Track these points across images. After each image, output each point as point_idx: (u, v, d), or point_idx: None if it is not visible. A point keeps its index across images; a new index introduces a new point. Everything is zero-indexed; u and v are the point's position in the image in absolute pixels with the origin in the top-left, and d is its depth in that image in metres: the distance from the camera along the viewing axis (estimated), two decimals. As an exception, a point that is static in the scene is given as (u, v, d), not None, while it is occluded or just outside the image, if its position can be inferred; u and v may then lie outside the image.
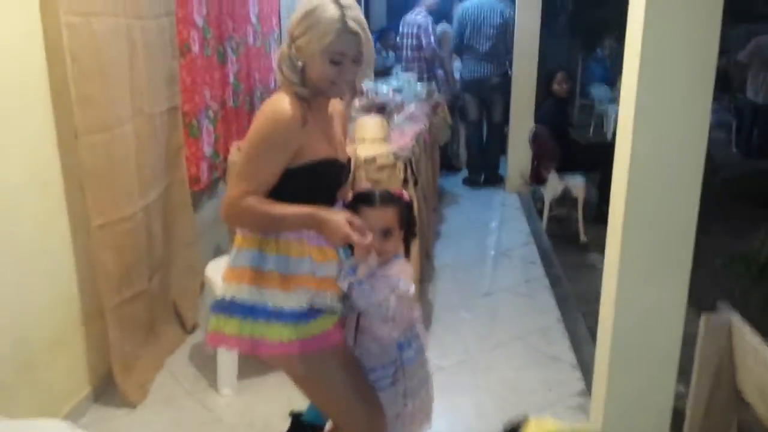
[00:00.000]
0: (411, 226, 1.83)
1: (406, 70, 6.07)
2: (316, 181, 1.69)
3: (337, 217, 1.62)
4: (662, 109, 1.94)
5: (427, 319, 3.37)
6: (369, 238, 1.62)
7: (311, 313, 1.67)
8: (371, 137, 3.02)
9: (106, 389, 2.63)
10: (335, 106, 1.83)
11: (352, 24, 1.61)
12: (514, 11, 5.93)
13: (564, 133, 5.40)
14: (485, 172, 6.33)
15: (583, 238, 4.97)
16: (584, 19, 9.34)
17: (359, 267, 1.66)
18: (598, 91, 9.69)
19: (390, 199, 1.77)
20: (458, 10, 6.07)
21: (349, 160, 1.87)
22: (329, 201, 1.74)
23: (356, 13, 1.64)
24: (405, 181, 2.90)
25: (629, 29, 1.99)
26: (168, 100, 2.89)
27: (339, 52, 1.62)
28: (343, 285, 1.67)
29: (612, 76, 9.96)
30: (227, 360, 2.65)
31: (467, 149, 6.53)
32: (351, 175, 2.81)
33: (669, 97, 1.93)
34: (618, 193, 2.09)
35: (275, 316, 1.65)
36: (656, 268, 2.07)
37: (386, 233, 1.72)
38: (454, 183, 6.38)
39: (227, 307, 1.69)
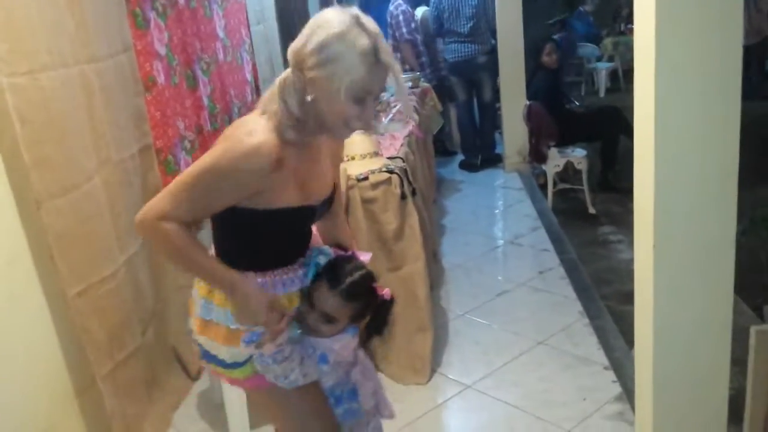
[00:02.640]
0: (380, 327, 1.64)
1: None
2: (272, 229, 1.50)
3: (259, 297, 1.47)
4: (688, 67, 1.67)
5: (443, 331, 3.19)
6: (282, 325, 1.49)
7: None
8: (360, 153, 2.82)
9: (114, 460, 2.46)
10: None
11: (384, 57, 1.35)
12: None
13: (559, 106, 5.21)
14: (481, 153, 6.13)
15: (591, 210, 4.81)
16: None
17: (265, 345, 1.49)
18: (584, 50, 9.47)
19: (357, 295, 1.55)
20: None
21: (332, 192, 1.64)
22: (293, 244, 1.61)
23: (384, 40, 1.38)
24: (403, 196, 2.70)
25: None
26: (137, 140, 2.68)
27: (365, 89, 1.36)
28: (245, 350, 1.52)
29: (597, 33, 9.75)
30: (236, 410, 2.47)
31: (460, 132, 6.31)
32: (346, 198, 2.63)
33: (694, 49, 1.65)
34: (643, 175, 1.82)
35: (229, 365, 1.59)
36: (695, 258, 1.84)
37: (327, 320, 1.54)
38: (452, 169, 6.17)
39: (200, 350, 1.64)
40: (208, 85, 3.45)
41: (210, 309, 1.56)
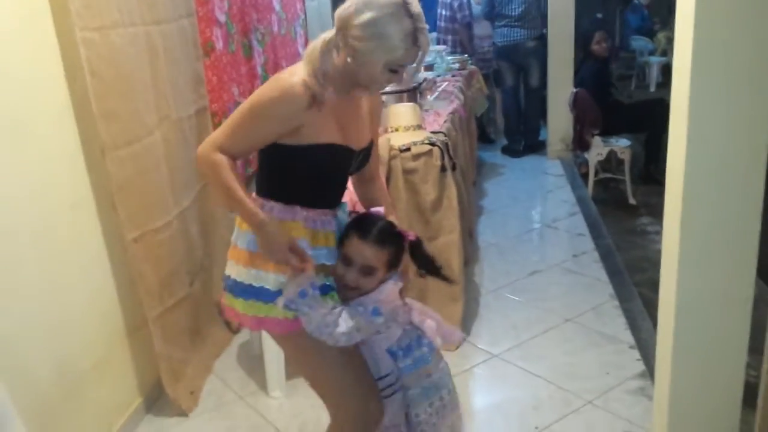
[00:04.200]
0: (430, 265, 1.73)
1: (440, 42, 5.94)
2: (315, 164, 1.61)
3: (281, 238, 1.57)
4: (722, 62, 1.75)
5: (474, 303, 3.29)
6: (308, 267, 1.56)
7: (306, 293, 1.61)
8: (405, 125, 2.92)
9: (158, 399, 2.64)
10: (374, 96, 1.77)
11: (422, 40, 1.52)
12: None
13: (606, 95, 5.21)
14: (525, 139, 6.16)
15: (631, 200, 4.82)
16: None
17: (287, 286, 1.58)
18: (638, 43, 9.36)
19: (387, 239, 1.64)
20: None
21: (369, 145, 1.75)
22: (331, 186, 1.70)
23: (425, 23, 1.53)
24: (443, 168, 2.80)
25: None
26: (195, 102, 2.84)
27: (400, 64, 1.53)
28: (279, 303, 1.59)
29: (651, 27, 9.62)
30: (274, 360, 2.62)
31: (504, 117, 6.36)
32: (388, 168, 2.74)
33: (730, 47, 1.72)
34: (676, 159, 1.90)
35: (273, 296, 1.61)
36: (721, 238, 1.90)
37: (366, 271, 1.62)
38: (494, 153, 6.23)
39: (232, 287, 1.68)
40: (262, 55, 3.59)
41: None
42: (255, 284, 1.63)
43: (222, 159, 1.56)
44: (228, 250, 1.72)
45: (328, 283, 1.66)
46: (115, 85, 2.24)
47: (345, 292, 1.66)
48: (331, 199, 1.71)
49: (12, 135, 1.93)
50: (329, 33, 1.56)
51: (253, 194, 1.69)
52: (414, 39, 1.50)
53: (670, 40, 9.39)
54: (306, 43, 4.44)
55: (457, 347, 1.85)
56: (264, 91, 1.57)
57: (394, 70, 1.53)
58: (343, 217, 1.74)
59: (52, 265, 2.10)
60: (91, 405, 2.28)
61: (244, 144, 1.59)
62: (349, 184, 1.83)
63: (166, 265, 2.56)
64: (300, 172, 1.62)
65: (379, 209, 1.80)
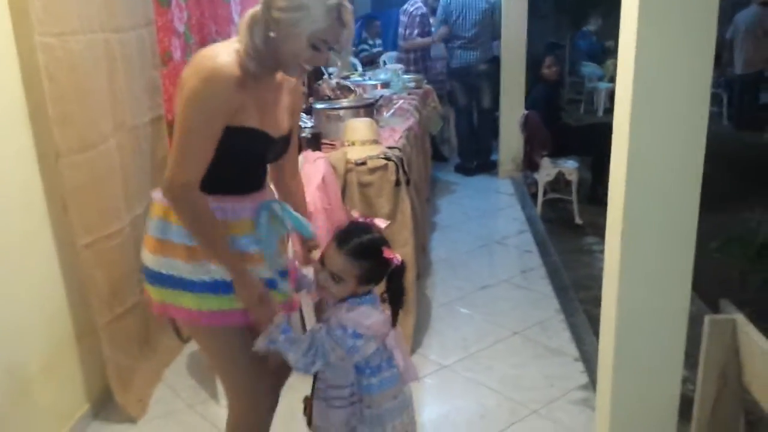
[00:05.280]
0: (397, 295, 1.68)
1: (399, 60, 6.08)
2: (231, 148, 1.57)
3: (254, 290, 1.62)
4: (661, 92, 1.87)
5: (425, 316, 3.35)
6: (277, 319, 1.61)
7: (220, 287, 1.64)
8: (361, 139, 2.98)
9: (105, 405, 2.60)
10: (289, 79, 1.75)
11: (346, 16, 1.54)
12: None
13: (555, 118, 5.38)
14: (477, 158, 6.29)
15: (578, 220, 4.96)
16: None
17: (257, 339, 1.62)
18: (587, 68, 9.66)
19: (363, 255, 1.63)
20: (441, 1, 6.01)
21: (288, 135, 1.76)
22: (248, 172, 1.70)
23: (348, 2, 1.57)
24: (397, 183, 2.86)
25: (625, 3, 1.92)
26: (151, 110, 2.84)
27: (324, 40, 1.54)
28: (259, 345, 1.62)
29: (600, 53, 9.94)
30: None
31: (457, 136, 6.50)
32: (344, 182, 2.78)
33: (668, 77, 1.84)
34: (617, 181, 2.01)
35: (181, 285, 1.64)
36: (659, 256, 2.01)
37: (336, 279, 1.64)
38: (447, 172, 6.34)
39: (145, 274, 1.70)
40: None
41: (167, 229, 1.64)
42: (164, 271, 1.65)
43: (202, 203, 1.55)
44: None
45: (271, 278, 1.70)
46: (72, 90, 2.23)
47: (319, 289, 1.70)
48: (247, 186, 1.70)
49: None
50: (254, 8, 1.58)
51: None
52: (338, 13, 1.52)
53: (612, 66, 9.75)
54: None
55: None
56: (194, 86, 1.50)
57: (317, 48, 1.54)
58: (276, 207, 1.73)
59: (4, 265, 2.08)
60: (38, 410, 2.25)
61: (204, 154, 1.53)
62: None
63: (117, 271, 2.54)
64: (218, 155, 1.57)
65: (379, 221, 1.78)
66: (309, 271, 1.83)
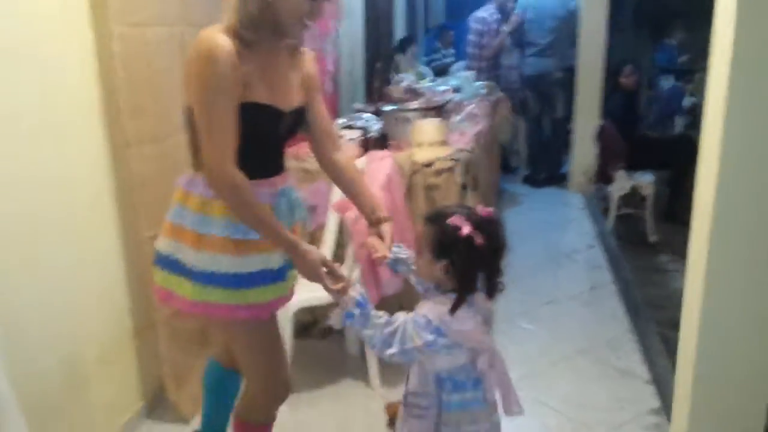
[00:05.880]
0: (464, 275, 1.50)
1: (469, 68, 5.98)
2: (247, 127, 1.56)
3: (313, 256, 1.58)
4: (756, 107, 1.74)
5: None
6: (340, 285, 1.54)
7: (243, 280, 1.63)
8: (429, 140, 2.91)
9: (159, 404, 2.60)
10: (305, 61, 1.74)
11: None
12: (577, 2, 5.71)
13: (633, 129, 5.17)
14: (547, 170, 6.13)
15: (652, 238, 4.74)
16: (652, 9, 8.96)
17: (333, 312, 1.56)
18: (667, 82, 9.31)
19: (432, 219, 1.55)
20: (519, 4, 5.87)
21: (301, 108, 1.72)
22: (262, 151, 1.67)
23: None
24: (464, 186, 2.77)
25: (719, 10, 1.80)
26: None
27: None
28: (335, 321, 1.56)
29: (679, 66, 9.56)
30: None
31: (528, 146, 6.34)
32: (410, 182, 2.72)
33: (765, 91, 1.73)
34: (703, 197, 1.89)
35: (184, 272, 1.64)
36: (747, 276, 1.87)
37: (418, 252, 1.59)
38: (515, 182, 6.19)
39: (155, 257, 1.73)
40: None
41: (183, 214, 1.65)
42: (172, 256, 1.67)
43: (241, 179, 1.54)
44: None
45: (282, 266, 1.68)
46: (145, 81, 2.25)
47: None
48: (265, 170, 1.67)
49: (43, 126, 1.94)
50: None
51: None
52: None
53: (699, 81, 9.35)
54: (335, 63, 4.46)
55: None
56: (199, 71, 1.52)
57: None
58: (291, 194, 1.72)
59: (69, 254, 2.09)
60: (93, 404, 2.25)
61: (230, 132, 1.53)
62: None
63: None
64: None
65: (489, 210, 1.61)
66: (405, 252, 1.77)
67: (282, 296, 1.77)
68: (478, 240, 1.47)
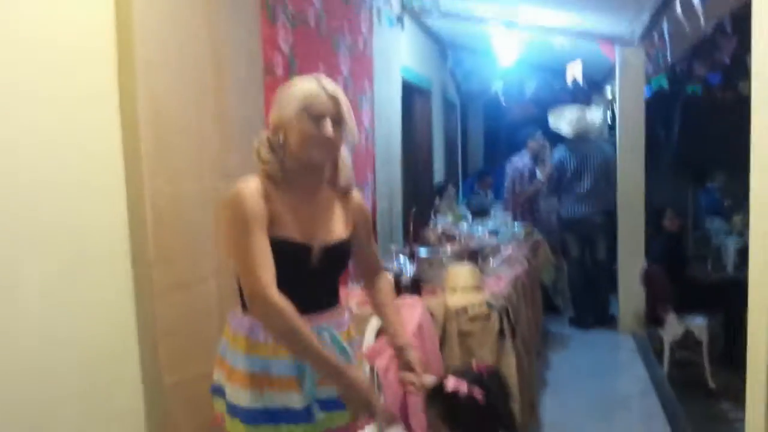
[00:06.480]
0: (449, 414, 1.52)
1: (506, 209, 6.04)
2: (275, 259, 1.62)
3: (365, 382, 1.59)
4: None
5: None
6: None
7: (261, 416, 1.63)
8: (463, 285, 2.85)
9: None
10: (353, 198, 1.83)
11: (327, 85, 1.69)
12: (614, 149, 5.79)
13: (680, 271, 5.03)
14: (593, 312, 5.93)
15: (711, 384, 4.45)
16: (690, 154, 9.05)
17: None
18: (713, 223, 9.18)
19: (434, 394, 1.57)
20: (555, 154, 5.98)
21: (339, 244, 1.76)
22: (294, 283, 1.66)
23: (331, 82, 1.71)
24: (501, 333, 2.67)
25: (754, 140, 1.76)
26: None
27: (318, 110, 1.65)
28: None
29: (722, 208, 9.45)
30: None
31: (570, 288, 6.20)
32: (441, 328, 2.64)
33: None
34: (756, 342, 1.77)
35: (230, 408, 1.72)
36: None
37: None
38: (562, 324, 5.99)
39: (211, 389, 1.87)
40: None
41: (224, 346, 1.78)
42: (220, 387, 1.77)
43: (285, 303, 1.56)
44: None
45: (302, 408, 1.65)
46: (176, 232, 2.29)
47: None
48: (300, 303, 1.64)
49: (72, 275, 1.96)
50: (261, 133, 1.76)
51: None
52: (318, 83, 1.68)
53: (746, 222, 9.15)
54: (372, 119, 4.51)
55: None
56: (226, 215, 1.67)
57: (317, 119, 1.64)
58: (325, 335, 1.69)
59: (89, 403, 2.03)
60: None
61: (265, 257, 1.60)
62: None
63: (201, 415, 2.44)
64: None
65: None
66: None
67: None
68: (478, 395, 1.48)
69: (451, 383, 1.50)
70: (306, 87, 1.69)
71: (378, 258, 2.05)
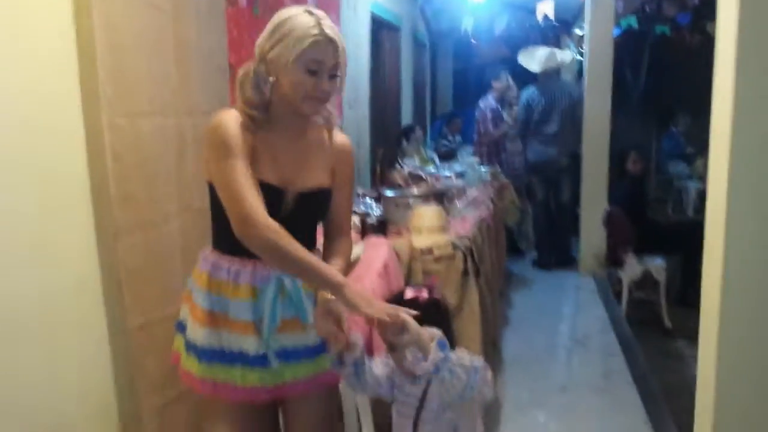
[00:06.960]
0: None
1: (474, 153, 6.05)
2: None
3: (368, 295, 1.59)
4: (758, 193, 1.70)
5: (494, 420, 3.09)
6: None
7: (215, 355, 1.64)
8: (428, 227, 2.87)
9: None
10: (336, 143, 1.77)
11: (328, 31, 1.57)
12: (582, 90, 5.79)
13: (641, 213, 5.12)
14: (555, 253, 6.05)
15: (667, 323, 4.60)
16: (657, 96, 9.10)
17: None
18: (675, 167, 9.32)
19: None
20: (523, 95, 5.95)
21: (313, 191, 1.69)
22: None
23: (330, 22, 1.60)
24: (465, 273, 2.71)
25: (717, 83, 1.78)
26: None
27: (316, 60, 1.57)
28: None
29: (685, 153, 9.59)
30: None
31: (535, 230, 6.30)
32: (408, 269, 2.66)
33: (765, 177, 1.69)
34: (711, 284, 1.82)
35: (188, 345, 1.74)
36: (759, 364, 1.78)
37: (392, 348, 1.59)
38: (524, 266, 6.11)
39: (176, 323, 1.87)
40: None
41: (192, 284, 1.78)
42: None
43: (278, 226, 1.52)
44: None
45: (258, 355, 1.64)
46: (137, 170, 2.23)
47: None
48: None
49: (30, 215, 1.91)
50: (244, 68, 1.66)
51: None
52: (319, 29, 1.55)
53: (707, 167, 9.30)
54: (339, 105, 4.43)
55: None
56: (208, 140, 1.62)
57: (314, 71, 1.56)
58: (287, 281, 1.66)
59: (52, 345, 2.02)
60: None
61: (250, 185, 1.54)
62: None
63: (169, 357, 2.45)
64: (216, 210, 1.65)
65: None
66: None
67: (267, 386, 1.67)
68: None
69: (409, 293, 1.60)
70: (306, 28, 1.55)
71: (348, 217, 1.89)
